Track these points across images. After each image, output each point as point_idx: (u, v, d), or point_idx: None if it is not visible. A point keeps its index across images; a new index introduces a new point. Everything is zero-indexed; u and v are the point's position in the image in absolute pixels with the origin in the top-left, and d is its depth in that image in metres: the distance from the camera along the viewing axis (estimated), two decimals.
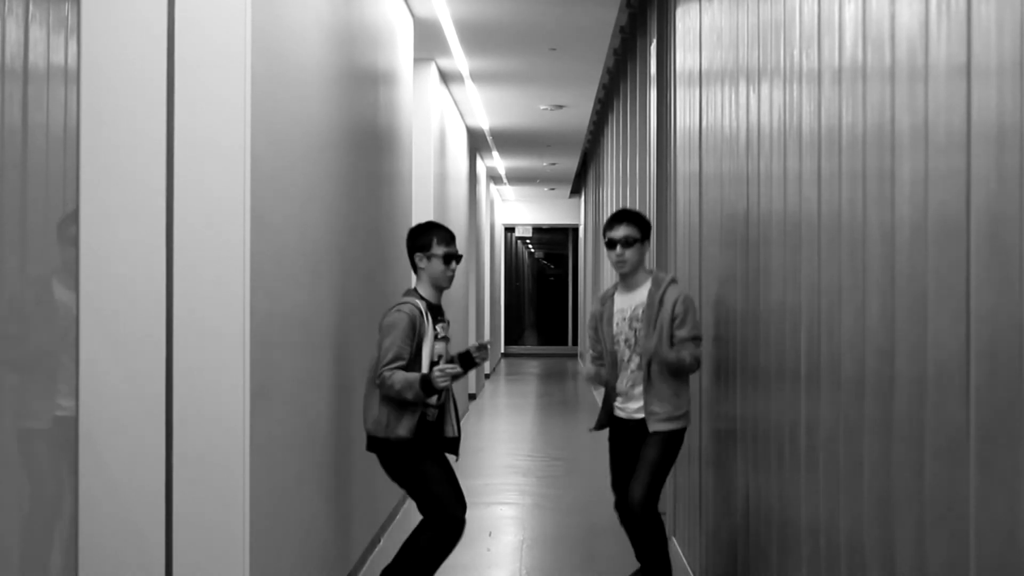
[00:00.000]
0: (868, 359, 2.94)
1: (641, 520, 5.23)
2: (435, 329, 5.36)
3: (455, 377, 5.19)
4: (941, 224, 2.44)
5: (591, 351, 5.66)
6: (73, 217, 3.72)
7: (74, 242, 3.74)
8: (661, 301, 5.26)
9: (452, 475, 5.42)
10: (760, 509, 4.36)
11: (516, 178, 22.22)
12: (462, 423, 12.57)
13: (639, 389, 5.32)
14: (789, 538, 3.87)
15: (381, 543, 6.99)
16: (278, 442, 4.49)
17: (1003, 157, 2.12)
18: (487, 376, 20.31)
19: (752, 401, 4.47)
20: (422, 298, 5.37)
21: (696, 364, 5.23)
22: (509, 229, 27.84)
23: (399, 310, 5.24)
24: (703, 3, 5.75)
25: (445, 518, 5.28)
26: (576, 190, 23.55)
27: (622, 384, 5.39)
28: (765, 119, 4.21)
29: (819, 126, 3.42)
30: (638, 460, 5.28)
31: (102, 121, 4.00)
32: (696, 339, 5.23)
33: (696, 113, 6.00)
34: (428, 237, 5.45)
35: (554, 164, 19.84)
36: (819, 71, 3.42)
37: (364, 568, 6.39)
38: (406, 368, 5.18)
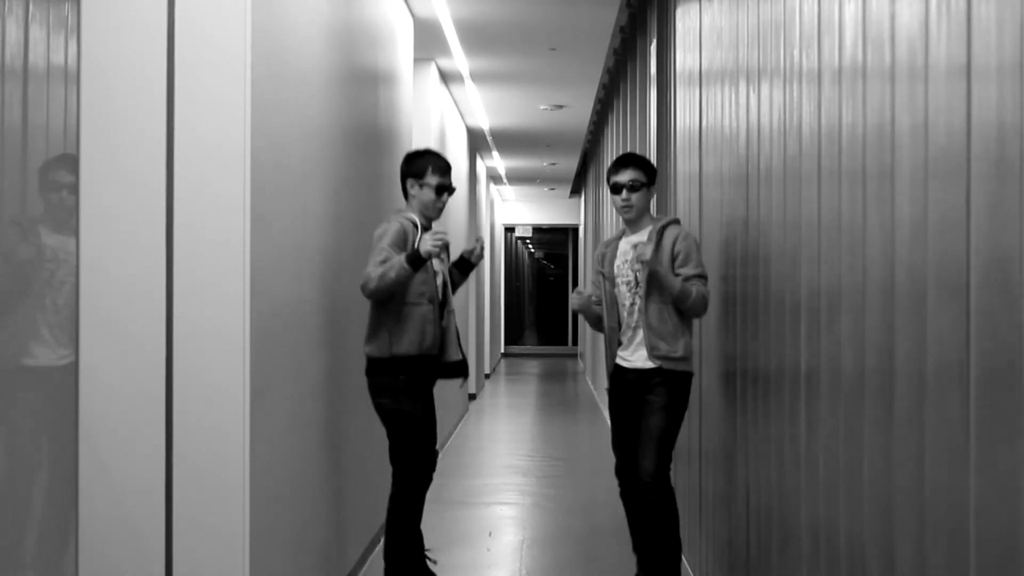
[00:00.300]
0: (868, 358, 2.94)
1: (653, 494, 5.05)
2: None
3: (445, 246, 5.12)
4: (941, 224, 2.44)
5: (592, 297, 5.48)
6: (59, 162, 3.66)
7: (57, 188, 3.67)
8: (660, 239, 5.08)
9: (432, 419, 5.36)
10: (760, 509, 4.36)
11: (516, 178, 22.21)
12: (460, 426, 12.32)
13: (640, 332, 5.13)
14: (789, 537, 3.87)
15: (381, 543, 6.99)
16: (278, 442, 4.49)
17: (1003, 157, 2.12)
18: (487, 376, 20.31)
19: (752, 401, 4.47)
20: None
21: (702, 302, 5.02)
22: (509, 229, 27.83)
23: (390, 220, 5.16)
24: (703, 3, 5.75)
25: (410, 470, 5.21)
26: (576, 190, 23.54)
27: (624, 331, 5.21)
28: (765, 119, 4.21)
29: (819, 126, 3.42)
30: (640, 425, 5.12)
31: (102, 121, 4.00)
32: (701, 277, 5.04)
33: (696, 113, 6.00)
34: (423, 164, 5.34)
35: (554, 164, 19.84)
36: (819, 71, 3.42)
37: (364, 568, 6.39)
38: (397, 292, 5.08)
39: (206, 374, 4.03)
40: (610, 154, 12.80)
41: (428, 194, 5.28)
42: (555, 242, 31.33)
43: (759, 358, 4.32)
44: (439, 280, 5.35)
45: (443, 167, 5.35)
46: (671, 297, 4.99)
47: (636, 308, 5.15)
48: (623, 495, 5.39)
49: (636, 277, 5.17)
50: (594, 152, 16.50)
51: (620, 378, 5.24)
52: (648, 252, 4.94)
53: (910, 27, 2.62)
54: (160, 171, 4.03)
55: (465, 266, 5.52)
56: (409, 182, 5.33)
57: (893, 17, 2.73)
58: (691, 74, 6.22)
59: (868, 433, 2.94)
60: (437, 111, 11.33)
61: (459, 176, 14.02)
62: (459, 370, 5.41)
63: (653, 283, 5.03)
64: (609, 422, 5.35)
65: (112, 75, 4.01)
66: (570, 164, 19.84)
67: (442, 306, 5.33)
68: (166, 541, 4.01)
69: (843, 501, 3.18)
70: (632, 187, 5.22)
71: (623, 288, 5.23)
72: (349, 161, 6.12)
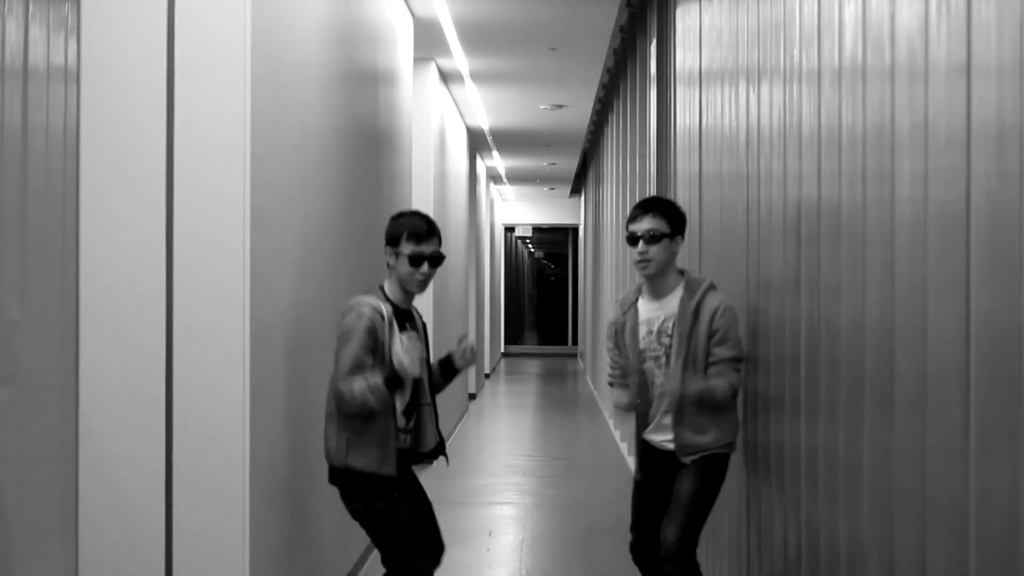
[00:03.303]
0: (867, 358, 2.94)
1: (675, 572, 4.29)
2: (401, 338, 4.44)
3: (412, 354, 4.36)
4: (941, 224, 2.44)
5: (611, 369, 4.68)
6: None
7: None
8: (697, 312, 4.32)
9: (429, 515, 4.65)
10: (761, 510, 4.36)
11: (516, 178, 22.22)
12: (460, 425, 12.23)
13: (670, 417, 4.39)
14: (789, 537, 3.87)
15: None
16: (278, 442, 4.49)
17: (1003, 157, 2.12)
18: (487, 376, 20.31)
19: (753, 401, 4.47)
20: (387, 299, 4.48)
21: (732, 392, 4.31)
22: (509, 229, 27.84)
23: (358, 313, 4.35)
24: (703, 3, 5.75)
25: (411, 571, 4.44)
26: (576, 190, 23.55)
27: (653, 409, 4.45)
28: (765, 119, 4.21)
29: (819, 126, 3.42)
30: (671, 497, 4.39)
31: (102, 121, 4.00)
32: (736, 360, 4.32)
33: (696, 113, 6.00)
34: (397, 229, 4.53)
35: (554, 164, 19.84)
36: (819, 71, 3.42)
37: (364, 568, 6.39)
38: None
39: (206, 375, 4.03)
40: (610, 154, 12.80)
41: (403, 266, 4.47)
42: (555, 242, 31.35)
43: (758, 358, 4.32)
44: (408, 383, 4.51)
45: (419, 232, 4.49)
46: (706, 405, 4.29)
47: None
48: (644, 571, 4.61)
49: (668, 352, 4.40)
50: (594, 152, 16.50)
51: (649, 455, 4.52)
52: (674, 388, 4.25)
53: (910, 27, 2.62)
54: (160, 171, 4.03)
55: (450, 370, 4.73)
56: (387, 251, 4.54)
57: (893, 17, 2.73)
58: (691, 74, 6.22)
59: (868, 433, 2.94)
60: (437, 111, 11.33)
61: (459, 176, 14.03)
62: (436, 454, 4.68)
63: (688, 363, 4.31)
64: (632, 497, 4.62)
65: (112, 75, 4.01)
66: (570, 164, 19.84)
67: (413, 407, 4.55)
68: (166, 541, 4.01)
69: (843, 501, 3.18)
70: (652, 238, 4.38)
71: (652, 365, 4.44)
72: (349, 161, 6.12)
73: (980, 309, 2.23)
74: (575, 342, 27.92)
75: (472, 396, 16.11)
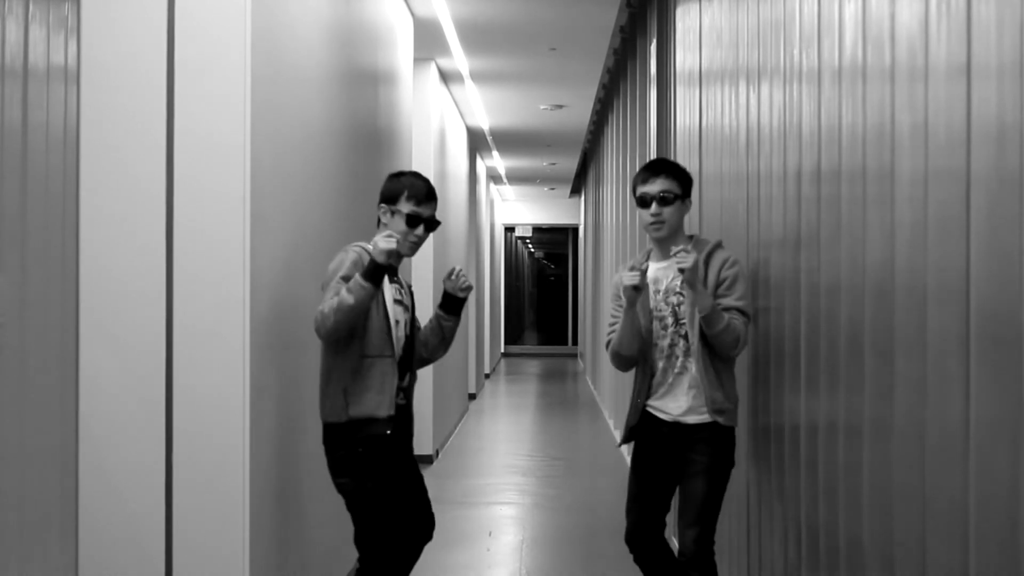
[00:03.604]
0: (867, 359, 2.93)
1: (695, 573, 4.15)
2: (393, 288, 4.31)
3: (392, 238, 4.13)
4: (941, 224, 2.44)
5: (609, 333, 4.43)
6: None
7: None
8: (706, 265, 4.19)
9: (420, 488, 4.45)
10: (762, 506, 4.36)
11: (516, 178, 22.22)
12: (460, 425, 12.25)
13: (685, 380, 4.21)
14: (789, 537, 3.87)
15: None
16: (278, 442, 4.49)
17: (1003, 157, 2.12)
18: (487, 376, 20.31)
19: (753, 401, 4.46)
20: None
21: (731, 337, 4.10)
22: (509, 229, 27.84)
23: (345, 250, 4.23)
24: (703, 3, 5.75)
25: (380, 559, 4.28)
26: (576, 190, 23.55)
27: (661, 375, 4.27)
28: (765, 119, 4.21)
29: (819, 126, 3.42)
30: (677, 490, 4.24)
31: (102, 121, 4.00)
32: (743, 313, 4.15)
33: (696, 113, 6.00)
34: (397, 187, 4.35)
35: (554, 164, 19.84)
36: (819, 71, 3.42)
37: None
38: (355, 340, 4.18)
39: (206, 375, 4.03)
40: (610, 154, 12.80)
41: (399, 224, 4.30)
42: (555, 242, 31.34)
43: (758, 359, 4.32)
44: (399, 331, 4.36)
45: (421, 194, 4.34)
46: (705, 320, 4.09)
47: (679, 351, 4.24)
48: (639, 561, 4.38)
49: (676, 311, 4.25)
50: (594, 152, 16.50)
51: (651, 430, 4.30)
52: (690, 260, 4.01)
53: (910, 27, 2.62)
54: (160, 171, 4.03)
55: (452, 304, 4.55)
56: (381, 208, 4.37)
57: (893, 17, 2.73)
58: (691, 74, 6.22)
59: (868, 433, 2.94)
60: (437, 111, 11.33)
61: (459, 176, 14.03)
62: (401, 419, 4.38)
63: (704, 321, 4.10)
64: (629, 479, 4.40)
65: (112, 75, 4.01)
66: (570, 164, 19.84)
67: (406, 365, 4.40)
68: (166, 541, 4.01)
69: (843, 501, 3.18)
70: (664, 199, 4.28)
71: (657, 327, 4.28)
72: (349, 161, 6.12)
73: (980, 309, 2.23)
74: (575, 342, 27.92)
75: (472, 396, 16.11)
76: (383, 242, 4.09)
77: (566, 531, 7.68)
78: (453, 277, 4.53)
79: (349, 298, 4.05)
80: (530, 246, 33.14)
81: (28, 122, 3.02)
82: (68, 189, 3.38)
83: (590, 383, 18.04)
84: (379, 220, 4.38)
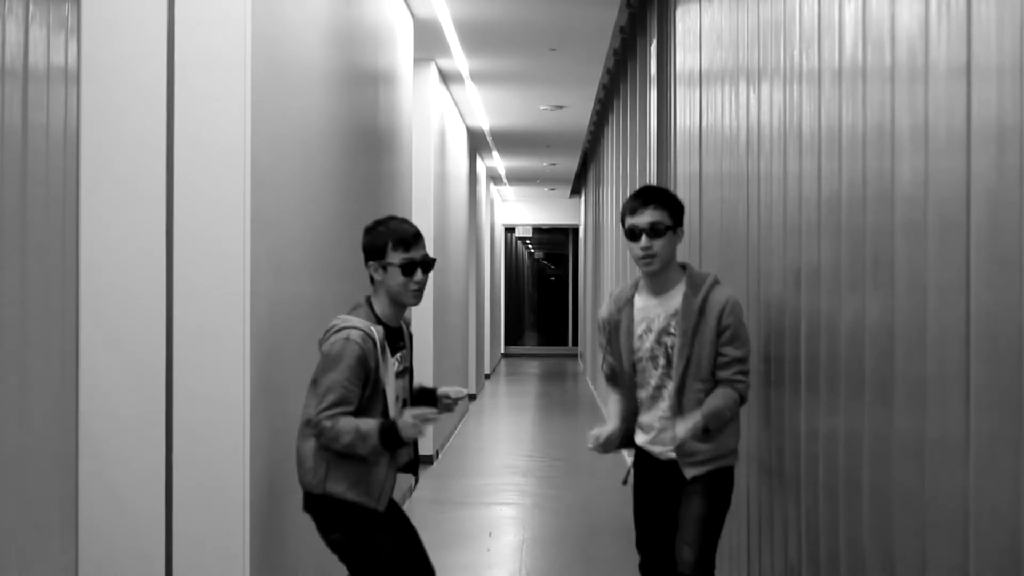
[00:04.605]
0: (867, 359, 2.94)
1: None
2: (393, 361, 4.09)
3: (431, 421, 3.99)
4: (941, 224, 2.44)
5: (605, 367, 4.30)
6: None
7: None
8: (702, 310, 3.99)
9: (414, 539, 4.21)
10: (771, 514, 4.35)
11: (516, 178, 22.22)
12: (460, 426, 12.15)
13: (669, 423, 4.05)
14: (789, 535, 3.87)
15: None
16: (278, 442, 4.49)
17: (1003, 157, 2.12)
18: (487, 377, 20.30)
19: (753, 403, 4.47)
20: (378, 319, 4.06)
21: (739, 403, 4.00)
22: (509, 229, 27.85)
23: (347, 338, 3.94)
24: (703, 3, 5.75)
25: None
26: (576, 190, 23.55)
27: (650, 416, 4.12)
28: (765, 119, 4.21)
29: (819, 126, 3.42)
30: (678, 513, 4.08)
31: (102, 121, 4.00)
32: (744, 361, 4.00)
33: (696, 113, 6.00)
34: (380, 240, 4.11)
35: (554, 164, 19.84)
36: (819, 71, 3.42)
37: None
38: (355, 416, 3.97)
39: (206, 374, 4.03)
40: (610, 154, 12.80)
41: (395, 277, 4.04)
42: (555, 242, 31.35)
43: (759, 358, 4.32)
44: (399, 404, 4.13)
45: (408, 238, 4.09)
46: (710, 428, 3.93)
47: (666, 394, 4.07)
48: None
49: (668, 353, 4.06)
50: (594, 152, 16.50)
51: (647, 465, 4.18)
52: (682, 432, 3.86)
53: (910, 27, 2.62)
54: (160, 171, 4.03)
55: (427, 400, 4.30)
56: (370, 266, 4.11)
57: (893, 17, 2.73)
58: (691, 74, 6.22)
59: (867, 433, 2.94)
60: (437, 111, 11.33)
61: (459, 176, 14.03)
62: (408, 469, 4.24)
63: (691, 364, 3.98)
64: (634, 517, 4.25)
65: (112, 75, 4.01)
66: (570, 164, 19.84)
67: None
68: (166, 541, 4.01)
69: (843, 502, 3.18)
70: (654, 231, 4.03)
71: (648, 367, 4.10)
72: (349, 161, 6.12)
73: (980, 309, 2.23)
74: (575, 343, 27.92)
75: (472, 396, 16.11)
76: (413, 430, 3.91)
77: (566, 531, 7.68)
78: (448, 400, 4.31)
79: (362, 447, 3.89)
80: (530, 247, 33.14)
81: (28, 122, 3.02)
82: (68, 189, 3.38)
83: (590, 384, 18.04)
84: (372, 278, 4.13)
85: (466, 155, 15.14)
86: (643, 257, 4.05)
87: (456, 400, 4.30)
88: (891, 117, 2.75)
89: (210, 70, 4.05)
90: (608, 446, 4.16)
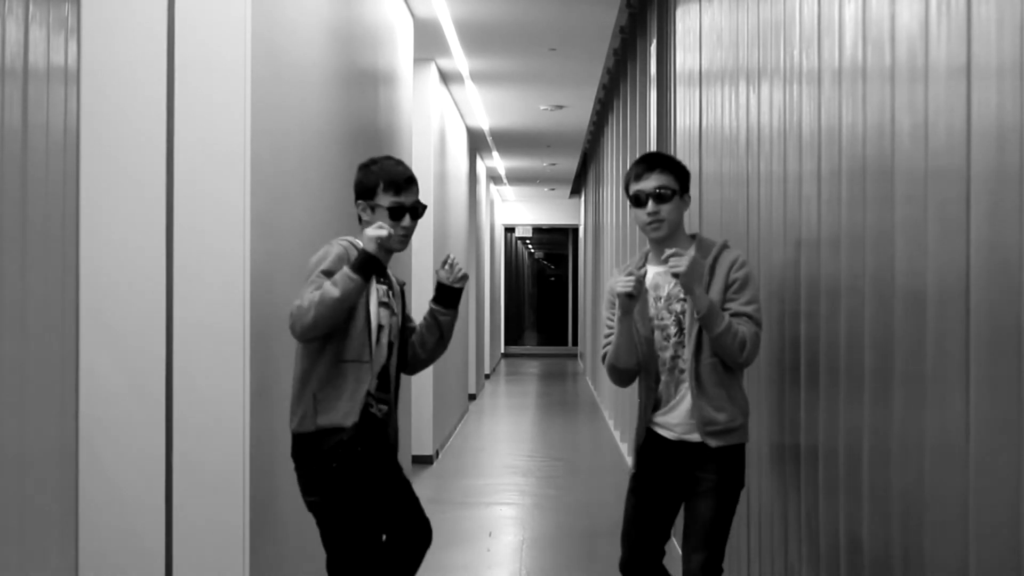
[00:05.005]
0: (867, 359, 2.94)
1: None
2: (376, 287, 3.93)
3: (389, 248, 3.83)
4: (941, 224, 2.44)
5: (604, 340, 4.07)
6: None
7: None
8: (712, 269, 3.85)
9: (409, 496, 4.06)
10: (763, 508, 4.36)
11: (516, 178, 22.22)
12: (460, 426, 12.08)
13: (688, 399, 3.85)
14: (789, 535, 3.87)
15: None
16: (278, 442, 4.49)
17: (1003, 157, 2.12)
18: (487, 376, 20.31)
19: (753, 402, 4.47)
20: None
21: (749, 347, 3.77)
22: (509, 229, 27.84)
23: (329, 245, 3.90)
24: (703, 3, 5.75)
25: None
26: (576, 190, 23.54)
27: (664, 388, 3.91)
28: (765, 119, 4.21)
29: (819, 126, 3.42)
30: (679, 509, 3.93)
31: (102, 121, 4.01)
32: (752, 319, 3.79)
33: (696, 113, 6.00)
34: (371, 179, 3.96)
35: (554, 164, 19.84)
36: (819, 71, 3.42)
37: None
38: (332, 343, 3.83)
39: (206, 374, 4.03)
40: (610, 154, 12.81)
41: (383, 220, 3.92)
42: (555, 242, 31.34)
43: (760, 358, 4.32)
44: (383, 337, 3.98)
45: (399, 180, 3.96)
46: (703, 322, 3.76)
47: (680, 364, 3.89)
48: None
49: (680, 320, 3.90)
50: (594, 152, 16.50)
51: (655, 449, 3.94)
52: (684, 262, 3.70)
53: (910, 27, 2.62)
54: (160, 171, 4.03)
55: (448, 296, 4.12)
56: (359, 205, 4.00)
57: (893, 17, 2.73)
58: (691, 74, 6.22)
59: (867, 433, 2.94)
60: (437, 111, 11.33)
61: (459, 176, 14.03)
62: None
63: (703, 324, 3.78)
64: (627, 501, 4.04)
65: (112, 75, 4.01)
66: (570, 164, 19.84)
67: (386, 374, 3.99)
68: (166, 541, 4.01)
69: (842, 501, 3.18)
70: (661, 196, 3.90)
71: (659, 337, 3.93)
72: (349, 161, 6.12)
73: (980, 309, 2.23)
74: (575, 343, 27.92)
75: (472, 396, 16.11)
76: (374, 231, 3.77)
77: (566, 531, 7.68)
78: (447, 266, 4.14)
79: (334, 291, 3.69)
80: (530, 247, 33.15)
81: (28, 122, 3.02)
82: (68, 189, 3.38)
83: (590, 384, 18.05)
84: (360, 217, 4.03)
85: (466, 155, 15.15)
86: (650, 223, 3.90)
87: (448, 263, 4.12)
88: (891, 117, 2.75)
89: (210, 70, 4.05)
90: (639, 284, 3.81)
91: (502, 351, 26.12)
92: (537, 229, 28.95)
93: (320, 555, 4.10)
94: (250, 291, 4.07)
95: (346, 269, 3.75)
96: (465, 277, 4.18)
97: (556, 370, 23.30)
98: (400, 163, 4.09)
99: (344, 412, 3.82)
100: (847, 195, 3.14)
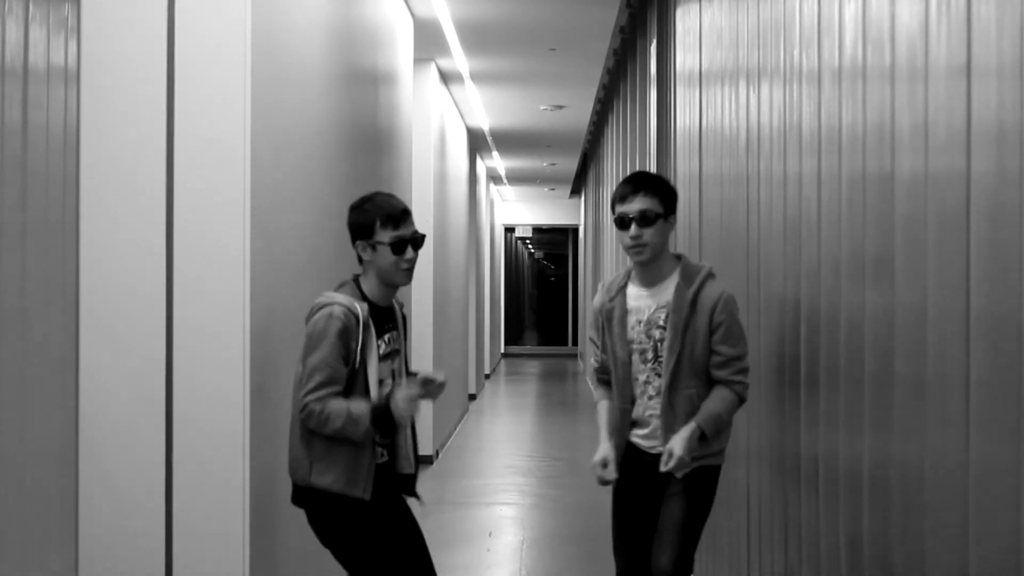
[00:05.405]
0: (867, 359, 2.94)
1: None
2: (379, 342, 3.91)
3: (424, 398, 3.89)
4: (941, 224, 2.44)
5: (594, 361, 4.19)
6: None
7: None
8: (694, 303, 3.87)
9: (420, 546, 4.03)
10: (762, 508, 4.36)
11: (516, 178, 22.22)
12: (460, 426, 12.10)
13: (658, 420, 3.93)
14: (789, 535, 3.87)
15: None
16: (278, 442, 4.49)
17: (1003, 157, 2.12)
18: (487, 376, 20.31)
19: (752, 403, 4.47)
20: (364, 297, 3.92)
21: (738, 404, 3.91)
22: (509, 229, 27.85)
23: (330, 314, 3.79)
24: (703, 3, 5.75)
25: None
26: (576, 190, 23.55)
27: (640, 410, 3.98)
28: (765, 119, 4.21)
29: (819, 126, 3.42)
30: (658, 515, 3.96)
31: (102, 121, 4.01)
32: (741, 358, 3.89)
33: (696, 113, 6.00)
34: (367, 218, 3.93)
35: (554, 164, 19.84)
36: (819, 71, 3.42)
37: None
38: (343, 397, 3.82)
39: (206, 374, 4.03)
40: (610, 154, 12.81)
41: (385, 256, 3.89)
42: (555, 242, 31.35)
43: (760, 358, 4.32)
44: (385, 390, 3.93)
45: (396, 214, 3.93)
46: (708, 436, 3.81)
47: (652, 389, 3.95)
48: None
49: (657, 347, 3.92)
50: (594, 152, 16.50)
51: (634, 460, 4.01)
52: (675, 463, 3.70)
53: (910, 27, 2.62)
54: (160, 171, 4.03)
55: (386, 423, 3.89)
56: (359, 246, 3.95)
57: (893, 17, 2.73)
58: (691, 74, 6.22)
59: (867, 433, 2.94)
60: (437, 111, 11.33)
61: (459, 176, 14.03)
62: (404, 487, 4.05)
63: (683, 361, 3.85)
64: (612, 515, 4.16)
65: (112, 75, 4.01)
66: (570, 164, 19.84)
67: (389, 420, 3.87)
68: (166, 541, 4.01)
69: (843, 500, 3.18)
70: (644, 219, 3.90)
71: (637, 360, 3.96)
72: (349, 161, 6.12)
73: (980, 309, 2.23)
74: (575, 343, 27.92)
75: (472, 396, 16.11)
76: (407, 410, 3.76)
77: (566, 531, 7.68)
78: (430, 384, 4.01)
79: (354, 432, 3.74)
80: (530, 247, 33.15)
81: (28, 122, 3.02)
82: (68, 189, 3.38)
83: (590, 383, 18.05)
84: (360, 258, 3.98)
85: (466, 155, 15.14)
86: (633, 247, 3.91)
87: (441, 384, 4.03)
88: (891, 117, 2.75)
89: (210, 70, 4.05)
90: (609, 473, 3.96)
91: (502, 351, 26.12)
92: (537, 229, 28.96)
93: (320, 555, 4.11)
94: (250, 291, 4.07)
95: (367, 419, 3.73)
96: (433, 397, 4.09)
97: (556, 370, 23.31)
98: (392, 196, 4.08)
99: (347, 479, 3.81)
100: (847, 195, 3.14)
